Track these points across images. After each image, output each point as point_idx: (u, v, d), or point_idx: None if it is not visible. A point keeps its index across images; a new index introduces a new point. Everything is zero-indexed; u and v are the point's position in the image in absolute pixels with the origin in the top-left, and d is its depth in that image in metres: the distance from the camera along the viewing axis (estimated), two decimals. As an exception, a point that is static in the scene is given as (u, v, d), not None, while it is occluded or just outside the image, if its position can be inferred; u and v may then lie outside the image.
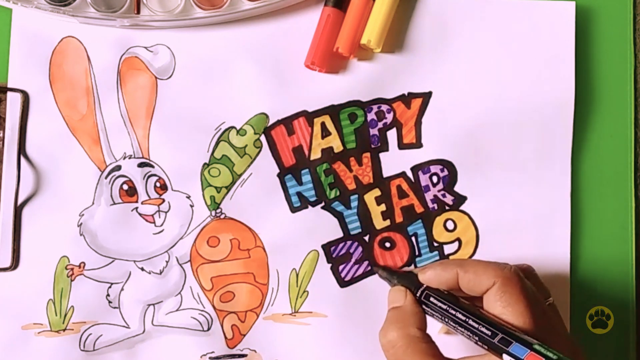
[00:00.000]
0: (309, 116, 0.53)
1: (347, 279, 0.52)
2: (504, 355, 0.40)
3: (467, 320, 0.42)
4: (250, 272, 0.52)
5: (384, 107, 0.53)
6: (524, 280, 0.43)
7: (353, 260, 0.53)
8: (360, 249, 0.53)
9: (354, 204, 0.53)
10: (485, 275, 0.43)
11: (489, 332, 0.41)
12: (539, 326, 0.41)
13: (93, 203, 0.52)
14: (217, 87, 0.53)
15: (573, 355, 0.40)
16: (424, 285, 0.45)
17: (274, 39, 0.53)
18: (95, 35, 0.52)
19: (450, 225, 0.53)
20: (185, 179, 0.52)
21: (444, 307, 0.43)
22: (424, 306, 0.45)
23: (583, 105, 0.54)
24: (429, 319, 0.45)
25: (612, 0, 0.54)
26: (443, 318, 0.44)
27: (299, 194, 0.53)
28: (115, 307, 0.52)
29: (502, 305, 0.42)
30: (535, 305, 0.42)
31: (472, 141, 0.53)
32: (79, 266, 0.51)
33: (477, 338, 0.42)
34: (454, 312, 0.43)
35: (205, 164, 0.52)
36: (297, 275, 0.52)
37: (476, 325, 0.42)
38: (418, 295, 0.45)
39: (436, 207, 0.53)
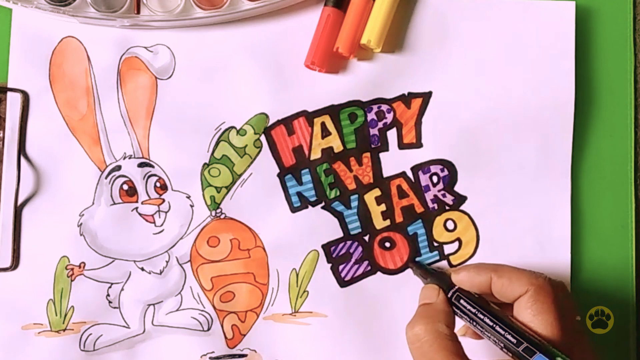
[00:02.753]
0: (309, 116, 0.53)
1: (347, 279, 0.52)
2: None
3: (494, 326, 0.43)
4: (250, 272, 0.52)
5: (384, 107, 0.53)
6: (557, 291, 0.43)
7: (353, 260, 0.52)
8: (360, 249, 0.53)
9: (354, 204, 0.53)
10: (519, 282, 0.43)
11: (514, 340, 0.41)
12: (566, 339, 0.42)
13: (93, 203, 0.52)
14: (217, 87, 0.53)
15: None
16: (456, 287, 0.46)
17: (274, 39, 0.53)
18: (95, 35, 0.52)
19: (450, 225, 0.53)
20: (185, 179, 0.52)
21: (474, 310, 0.44)
22: (453, 307, 0.45)
23: (583, 105, 0.54)
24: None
25: (612, 0, 0.54)
26: (471, 321, 0.44)
27: (299, 194, 0.53)
28: (115, 307, 0.52)
29: (532, 314, 0.42)
30: (564, 317, 0.42)
31: (472, 141, 0.53)
32: (79, 266, 0.51)
33: (502, 344, 0.42)
34: (482, 317, 0.43)
35: (205, 164, 0.52)
36: (297, 275, 0.52)
37: (502, 332, 0.42)
38: (449, 295, 0.46)
39: (436, 207, 0.53)
